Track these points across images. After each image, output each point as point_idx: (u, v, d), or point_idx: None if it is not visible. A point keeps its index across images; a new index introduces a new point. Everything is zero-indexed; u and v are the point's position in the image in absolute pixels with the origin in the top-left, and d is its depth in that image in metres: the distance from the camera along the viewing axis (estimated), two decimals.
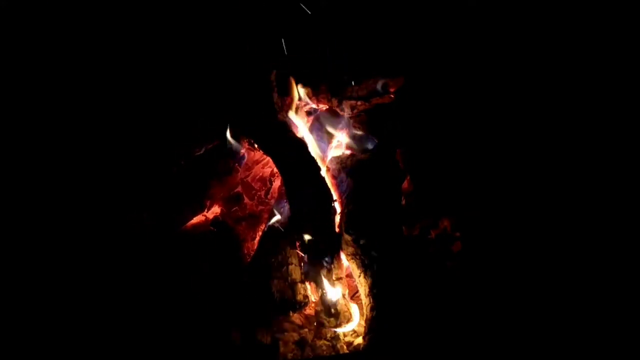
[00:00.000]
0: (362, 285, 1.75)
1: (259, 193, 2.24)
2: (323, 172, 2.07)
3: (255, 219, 2.17)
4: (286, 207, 2.02)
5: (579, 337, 1.52)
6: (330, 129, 2.34)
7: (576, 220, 1.86)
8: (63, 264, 1.90)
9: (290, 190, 1.95)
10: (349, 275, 1.95)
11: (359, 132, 2.22)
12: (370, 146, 2.19)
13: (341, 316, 1.81)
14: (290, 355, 1.70)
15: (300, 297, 1.83)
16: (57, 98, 2.24)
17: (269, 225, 2.08)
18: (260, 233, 2.14)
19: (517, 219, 1.93)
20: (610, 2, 2.16)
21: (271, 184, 2.29)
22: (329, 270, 1.87)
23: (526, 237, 1.87)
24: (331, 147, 2.34)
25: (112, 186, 2.08)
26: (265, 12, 2.47)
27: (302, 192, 1.92)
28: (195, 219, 2.15)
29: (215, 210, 2.20)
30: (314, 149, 2.24)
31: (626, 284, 1.64)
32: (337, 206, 2.03)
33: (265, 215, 2.18)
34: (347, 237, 1.84)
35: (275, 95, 2.22)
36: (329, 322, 1.80)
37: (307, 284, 1.89)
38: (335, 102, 2.26)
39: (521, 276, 1.74)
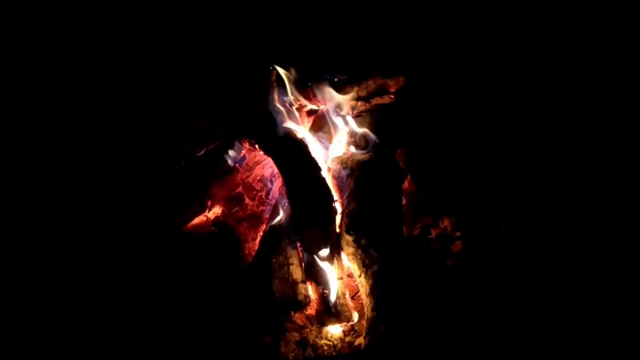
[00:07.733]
0: (363, 285, 1.75)
1: (259, 193, 2.24)
2: (324, 173, 2.07)
3: (256, 219, 2.17)
4: (287, 207, 2.02)
5: (579, 336, 1.52)
6: (330, 129, 2.34)
7: (576, 218, 1.86)
8: (65, 264, 1.90)
9: (291, 191, 1.95)
10: (350, 276, 1.96)
11: (360, 132, 2.22)
12: (370, 146, 2.19)
13: (342, 316, 1.81)
14: (291, 355, 1.70)
15: (301, 297, 1.84)
16: (58, 98, 2.24)
17: (270, 226, 2.09)
18: (261, 233, 2.14)
19: (517, 218, 1.94)
20: (610, 2, 2.17)
21: (272, 185, 2.29)
22: (330, 271, 1.88)
23: (526, 236, 1.87)
24: (332, 148, 2.34)
25: (113, 186, 2.08)
26: (266, 13, 2.47)
27: (303, 193, 1.93)
28: (196, 220, 2.15)
29: (216, 210, 2.20)
30: (314, 149, 2.24)
31: (625, 284, 1.64)
32: (338, 206, 2.03)
33: (266, 216, 2.19)
34: (347, 237, 1.84)
35: (276, 96, 2.22)
36: (329, 322, 1.81)
37: (308, 284, 1.90)
38: None
39: (522, 276, 1.74)
